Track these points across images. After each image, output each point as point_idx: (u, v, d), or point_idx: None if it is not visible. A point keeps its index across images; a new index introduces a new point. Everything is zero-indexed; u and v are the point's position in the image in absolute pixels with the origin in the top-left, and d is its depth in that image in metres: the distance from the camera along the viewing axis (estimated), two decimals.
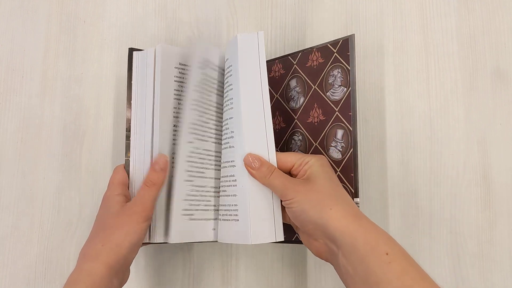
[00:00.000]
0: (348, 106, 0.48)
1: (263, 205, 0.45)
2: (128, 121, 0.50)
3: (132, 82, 0.51)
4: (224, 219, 0.48)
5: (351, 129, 0.48)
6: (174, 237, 0.47)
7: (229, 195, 0.47)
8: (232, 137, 0.47)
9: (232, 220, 0.46)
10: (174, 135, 0.49)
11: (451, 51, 0.59)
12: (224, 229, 0.48)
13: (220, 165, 0.50)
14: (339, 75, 0.49)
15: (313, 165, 0.44)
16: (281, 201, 0.44)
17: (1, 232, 0.56)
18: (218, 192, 0.50)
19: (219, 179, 0.50)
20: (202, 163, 0.50)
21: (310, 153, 0.51)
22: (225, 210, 0.48)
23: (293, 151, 0.53)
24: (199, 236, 0.49)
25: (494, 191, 0.56)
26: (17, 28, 0.60)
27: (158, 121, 0.48)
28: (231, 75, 0.48)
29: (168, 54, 0.50)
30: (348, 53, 0.48)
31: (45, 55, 0.60)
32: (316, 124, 0.51)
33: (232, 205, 0.47)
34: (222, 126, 0.50)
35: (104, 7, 0.61)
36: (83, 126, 0.58)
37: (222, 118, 0.51)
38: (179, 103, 0.50)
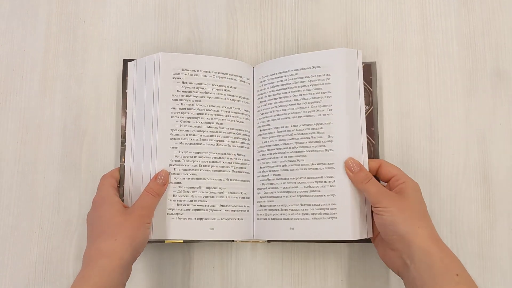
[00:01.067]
0: (371, 123, 0.54)
1: (359, 205, 0.50)
2: (123, 128, 0.54)
3: (128, 90, 0.55)
4: (315, 218, 0.50)
5: (373, 142, 0.54)
6: (155, 234, 0.50)
7: (324, 195, 0.50)
8: (330, 141, 0.51)
9: (328, 218, 0.50)
10: (172, 140, 0.52)
11: (451, 51, 0.59)
12: (314, 227, 0.50)
13: (218, 166, 0.52)
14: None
15: (409, 185, 0.48)
16: (372, 206, 0.48)
17: (1, 232, 0.56)
18: (220, 192, 0.52)
19: (220, 180, 0.52)
20: (194, 165, 0.52)
21: None
22: (318, 209, 0.50)
23: None
24: (191, 235, 0.51)
25: (494, 191, 0.56)
26: (17, 28, 0.60)
27: (157, 128, 0.52)
28: (329, 83, 0.52)
29: (167, 61, 0.53)
30: (371, 77, 0.56)
31: (45, 55, 0.60)
32: None
33: (329, 204, 0.50)
34: (224, 129, 0.53)
35: (104, 7, 0.61)
36: (83, 126, 0.58)
37: (219, 122, 0.53)
38: (178, 109, 0.53)
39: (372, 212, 0.49)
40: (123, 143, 0.54)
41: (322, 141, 0.51)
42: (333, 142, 0.51)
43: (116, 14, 0.61)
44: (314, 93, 0.52)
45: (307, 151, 0.52)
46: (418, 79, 0.59)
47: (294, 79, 0.53)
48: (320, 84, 0.53)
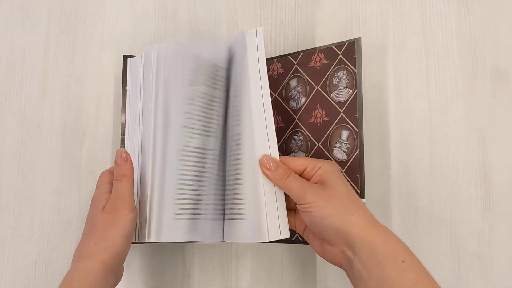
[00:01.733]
0: (354, 108, 0.49)
1: (273, 204, 0.45)
2: (123, 126, 0.53)
3: (127, 88, 0.54)
4: (230, 219, 0.48)
5: (357, 130, 0.49)
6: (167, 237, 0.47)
7: (235, 195, 0.47)
8: (239, 139, 0.47)
9: (238, 219, 0.47)
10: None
11: (451, 51, 0.59)
12: (230, 229, 0.48)
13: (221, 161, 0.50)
14: (344, 76, 0.50)
15: (327, 170, 0.44)
16: (296, 204, 0.44)
17: (1, 232, 0.56)
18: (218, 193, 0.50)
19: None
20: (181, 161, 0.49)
21: (312, 154, 0.51)
22: (230, 210, 0.48)
23: (293, 151, 0.53)
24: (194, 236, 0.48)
25: (494, 191, 0.56)
26: (17, 28, 0.60)
27: (143, 124, 0.50)
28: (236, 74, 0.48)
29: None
30: (354, 56, 0.49)
31: (45, 55, 0.60)
32: (318, 124, 0.51)
33: (239, 204, 0.47)
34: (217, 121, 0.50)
35: (104, 7, 0.61)
36: (83, 126, 0.58)
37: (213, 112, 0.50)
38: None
39: (296, 210, 0.46)
40: (123, 141, 0.53)
41: (236, 139, 0.48)
42: (241, 138, 0.47)
43: (116, 14, 0.61)
44: (232, 86, 0.49)
45: (231, 146, 0.49)
46: (418, 79, 0.59)
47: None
48: (232, 77, 0.49)
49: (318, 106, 0.51)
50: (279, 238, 0.44)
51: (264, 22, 0.61)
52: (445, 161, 0.57)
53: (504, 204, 0.56)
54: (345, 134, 0.49)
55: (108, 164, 0.57)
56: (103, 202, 0.47)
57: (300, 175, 0.45)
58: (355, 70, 0.49)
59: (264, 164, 0.45)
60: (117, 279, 0.46)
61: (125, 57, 0.54)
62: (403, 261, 0.38)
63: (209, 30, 0.61)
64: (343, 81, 0.50)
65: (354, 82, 0.49)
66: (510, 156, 0.57)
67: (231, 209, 0.48)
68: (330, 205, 0.41)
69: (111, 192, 0.48)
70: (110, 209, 0.46)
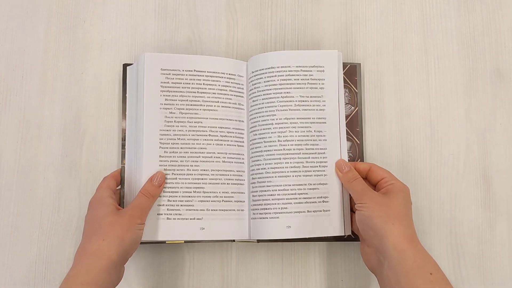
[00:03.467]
0: (356, 123, 0.56)
1: (344, 203, 0.52)
2: (124, 131, 0.56)
3: (127, 94, 0.56)
4: (310, 213, 0.52)
5: (358, 142, 0.56)
6: (145, 235, 0.50)
7: (318, 191, 0.52)
8: (325, 140, 0.53)
9: (322, 214, 0.52)
10: (161, 143, 0.52)
11: (451, 51, 0.59)
12: (309, 224, 0.52)
13: (208, 166, 0.53)
14: (346, 94, 0.56)
15: (397, 187, 0.48)
16: (354, 204, 0.49)
17: (1, 232, 0.56)
18: (212, 193, 0.53)
19: (212, 179, 0.53)
20: (183, 165, 0.52)
21: None
22: (313, 204, 0.52)
23: None
24: (181, 235, 0.52)
25: (494, 191, 0.56)
26: (17, 28, 0.60)
27: (143, 129, 0.52)
28: (323, 84, 0.54)
29: (152, 62, 0.53)
30: (355, 78, 0.57)
31: (45, 55, 0.60)
32: None
33: (323, 199, 0.52)
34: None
35: (104, 7, 0.61)
36: (83, 126, 0.58)
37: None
38: (168, 111, 0.53)
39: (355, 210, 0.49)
40: (123, 146, 0.55)
41: (319, 140, 0.53)
42: (327, 141, 0.53)
43: (116, 14, 0.61)
44: (308, 91, 0.53)
45: (302, 151, 0.53)
46: (418, 79, 0.59)
47: (287, 75, 0.54)
48: (315, 84, 0.54)
49: None
50: (348, 234, 0.52)
51: (264, 22, 0.61)
52: (445, 161, 0.57)
53: (504, 203, 0.56)
54: (348, 144, 0.55)
55: (108, 164, 0.57)
56: (110, 207, 0.48)
57: (375, 183, 0.51)
58: (357, 91, 0.57)
59: (339, 166, 0.51)
60: (119, 279, 0.46)
61: (125, 66, 0.57)
62: (430, 274, 0.41)
63: (209, 30, 0.61)
64: (346, 98, 0.56)
65: (356, 100, 0.56)
66: (510, 156, 0.57)
67: (313, 202, 0.52)
68: (378, 209, 0.46)
69: (113, 198, 0.49)
70: (125, 214, 0.47)
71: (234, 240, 0.53)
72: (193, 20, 0.61)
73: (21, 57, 0.60)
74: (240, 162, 0.54)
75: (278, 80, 0.53)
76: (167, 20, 0.61)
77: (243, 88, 0.55)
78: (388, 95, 0.59)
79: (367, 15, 0.61)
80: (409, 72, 0.59)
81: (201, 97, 0.54)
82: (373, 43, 0.60)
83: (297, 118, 0.53)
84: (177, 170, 0.52)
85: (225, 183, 0.53)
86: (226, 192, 0.53)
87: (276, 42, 0.60)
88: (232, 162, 0.53)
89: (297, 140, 0.52)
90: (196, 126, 0.53)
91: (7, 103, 0.59)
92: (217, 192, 0.52)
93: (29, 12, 0.61)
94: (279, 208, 0.51)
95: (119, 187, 0.54)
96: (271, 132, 0.52)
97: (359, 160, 0.55)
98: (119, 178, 0.54)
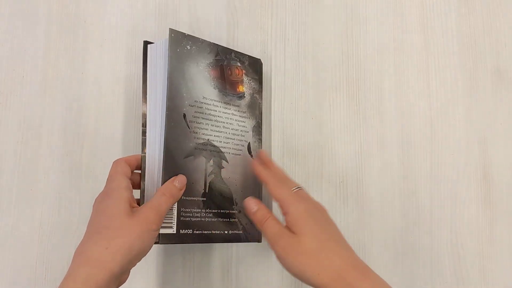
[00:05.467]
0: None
1: None
2: (144, 116, 0.49)
3: (148, 75, 0.50)
4: None
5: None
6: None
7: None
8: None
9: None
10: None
11: (452, 51, 0.59)
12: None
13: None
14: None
15: (295, 217, 0.42)
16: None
17: (1, 232, 0.56)
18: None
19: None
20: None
21: None
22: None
23: None
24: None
25: (494, 190, 0.56)
26: (17, 28, 0.60)
27: (165, 115, 0.47)
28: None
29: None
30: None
31: (45, 55, 0.60)
32: None
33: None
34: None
35: (105, 7, 0.61)
36: (83, 126, 0.58)
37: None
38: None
39: None
40: (144, 133, 0.49)
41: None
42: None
43: (117, 14, 0.61)
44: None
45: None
46: (419, 79, 0.59)
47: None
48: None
49: None
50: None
51: (264, 21, 0.61)
52: (446, 160, 0.57)
53: (505, 203, 0.56)
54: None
55: (108, 163, 0.57)
56: (124, 204, 0.41)
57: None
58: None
59: (249, 207, 0.47)
60: (120, 284, 0.42)
61: (146, 43, 0.51)
62: None
63: (209, 30, 0.61)
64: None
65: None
66: (510, 156, 0.57)
67: None
68: (297, 263, 0.40)
69: (129, 188, 0.44)
70: (140, 216, 0.41)
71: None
72: (194, 20, 0.61)
73: (22, 57, 0.60)
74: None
75: None
76: (167, 20, 0.61)
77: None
78: (388, 95, 0.59)
79: (367, 15, 0.61)
80: (409, 72, 0.59)
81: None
82: (373, 43, 0.60)
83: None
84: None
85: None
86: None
87: (277, 42, 0.60)
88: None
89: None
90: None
91: (7, 103, 0.58)
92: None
93: (29, 12, 0.61)
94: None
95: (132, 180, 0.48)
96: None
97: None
98: (134, 166, 0.47)
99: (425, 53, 0.59)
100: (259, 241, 0.53)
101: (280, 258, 0.42)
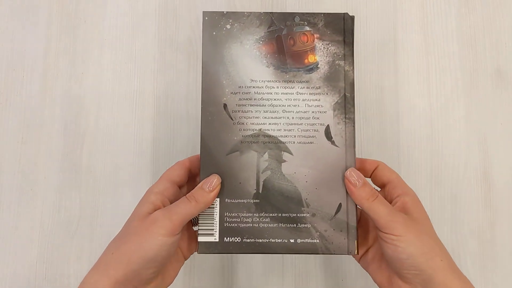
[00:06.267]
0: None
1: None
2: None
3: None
4: None
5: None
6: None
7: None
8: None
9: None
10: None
11: (452, 51, 0.59)
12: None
13: None
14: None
15: (414, 200, 0.41)
16: (379, 231, 0.39)
17: (1, 232, 0.56)
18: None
19: None
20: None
21: None
22: None
23: None
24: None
25: (495, 190, 0.56)
26: (17, 28, 0.60)
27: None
28: None
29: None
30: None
31: (45, 55, 0.60)
32: None
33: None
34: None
35: (105, 7, 0.61)
36: (83, 126, 0.58)
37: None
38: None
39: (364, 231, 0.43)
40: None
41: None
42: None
43: (117, 14, 0.61)
44: None
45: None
46: (419, 79, 0.59)
47: None
48: None
49: None
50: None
51: None
52: (446, 160, 0.57)
53: (505, 203, 0.56)
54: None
55: (108, 164, 0.57)
56: (146, 205, 0.39)
57: (380, 187, 0.43)
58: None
59: (351, 178, 0.40)
60: None
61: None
62: None
63: None
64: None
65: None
66: (511, 156, 0.57)
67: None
68: (421, 243, 0.38)
69: (161, 192, 0.40)
70: (150, 219, 0.38)
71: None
72: (194, 20, 0.61)
73: (22, 57, 0.60)
74: None
75: None
76: (167, 19, 0.61)
77: None
78: (388, 95, 0.59)
79: (367, 14, 0.61)
80: (410, 72, 0.59)
81: None
82: (373, 43, 0.60)
83: None
84: None
85: None
86: None
87: None
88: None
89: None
90: None
91: (7, 103, 0.58)
92: None
93: (29, 12, 0.61)
94: None
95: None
96: None
97: None
98: (195, 168, 0.43)
99: (425, 53, 0.59)
100: (351, 253, 0.41)
101: (399, 238, 0.37)
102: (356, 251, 0.41)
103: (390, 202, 0.41)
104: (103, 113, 0.58)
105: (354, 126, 0.42)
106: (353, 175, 0.40)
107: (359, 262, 0.44)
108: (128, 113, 0.58)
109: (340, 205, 0.41)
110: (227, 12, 0.44)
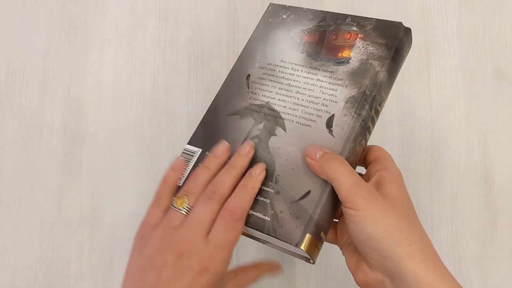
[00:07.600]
0: None
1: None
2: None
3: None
4: None
5: None
6: None
7: None
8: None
9: None
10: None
11: (452, 51, 0.59)
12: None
13: None
14: None
15: (392, 174, 0.35)
16: (342, 205, 0.34)
17: (1, 232, 0.56)
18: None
19: None
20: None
21: None
22: None
23: None
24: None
25: (495, 191, 0.56)
26: (17, 28, 0.60)
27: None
28: None
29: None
30: None
31: (45, 55, 0.60)
32: None
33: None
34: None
35: (105, 7, 0.61)
36: (83, 126, 0.58)
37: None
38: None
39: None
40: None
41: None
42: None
43: (117, 14, 0.61)
44: None
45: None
46: (419, 79, 0.59)
47: None
48: None
49: None
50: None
51: None
52: (446, 161, 0.57)
53: (505, 203, 0.56)
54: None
55: (108, 164, 0.57)
56: (177, 221, 0.33)
57: (366, 167, 0.37)
58: None
59: (309, 154, 0.36)
60: None
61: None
62: None
63: (210, 30, 0.61)
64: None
65: None
66: (511, 156, 0.57)
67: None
68: (385, 223, 0.31)
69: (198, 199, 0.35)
70: (176, 250, 0.32)
71: None
72: (194, 20, 0.61)
73: (22, 57, 0.60)
74: None
75: None
76: (167, 19, 0.61)
77: None
78: (389, 94, 0.59)
79: (367, 14, 0.60)
80: (410, 72, 0.59)
81: None
82: None
83: None
84: None
85: None
86: None
87: None
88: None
89: None
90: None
91: (8, 103, 0.59)
92: None
93: (29, 12, 0.61)
94: None
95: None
96: None
97: None
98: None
99: (425, 53, 0.59)
100: (297, 245, 0.35)
101: (358, 213, 0.31)
102: (303, 245, 0.35)
103: (369, 178, 0.36)
104: (103, 113, 0.58)
105: (361, 123, 0.39)
106: (311, 149, 0.36)
107: (336, 244, 0.40)
108: (128, 113, 0.58)
109: (308, 192, 0.37)
110: (289, 6, 0.47)
